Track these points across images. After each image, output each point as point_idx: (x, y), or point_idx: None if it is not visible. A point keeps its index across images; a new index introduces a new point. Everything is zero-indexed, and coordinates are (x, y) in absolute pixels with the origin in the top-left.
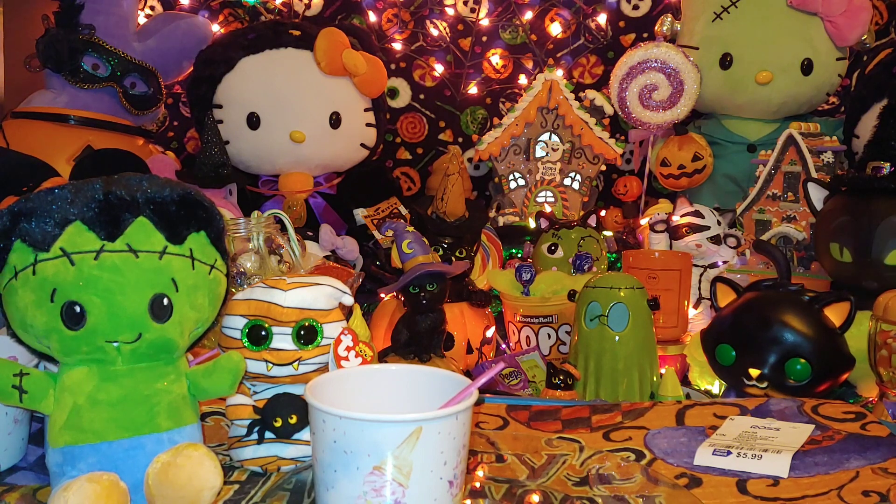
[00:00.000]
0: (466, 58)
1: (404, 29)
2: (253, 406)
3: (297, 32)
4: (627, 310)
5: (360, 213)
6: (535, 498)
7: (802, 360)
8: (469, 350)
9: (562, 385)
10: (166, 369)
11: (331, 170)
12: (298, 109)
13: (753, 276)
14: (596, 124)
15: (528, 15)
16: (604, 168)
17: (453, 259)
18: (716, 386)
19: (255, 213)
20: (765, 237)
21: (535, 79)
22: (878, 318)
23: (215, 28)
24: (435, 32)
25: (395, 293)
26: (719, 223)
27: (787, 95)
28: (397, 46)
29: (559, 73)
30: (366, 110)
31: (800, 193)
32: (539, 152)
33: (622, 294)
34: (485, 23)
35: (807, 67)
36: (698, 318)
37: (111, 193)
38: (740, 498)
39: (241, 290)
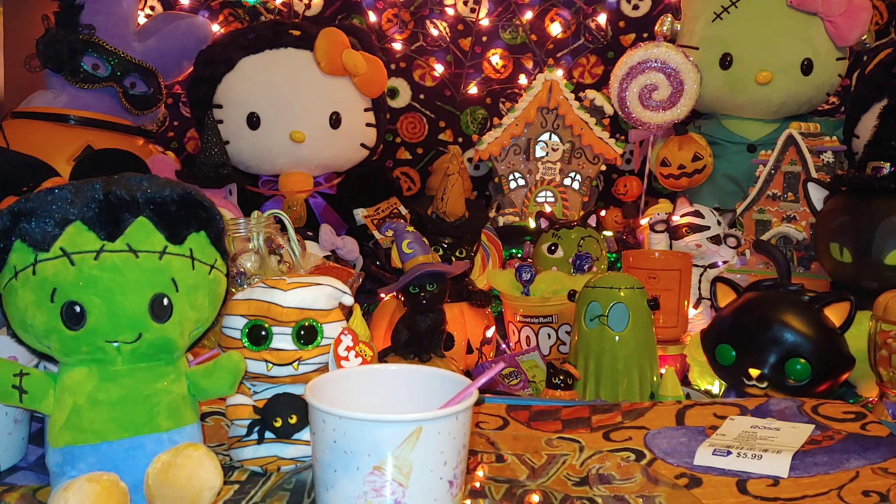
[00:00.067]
0: (466, 58)
1: (404, 29)
2: (253, 406)
3: (297, 32)
4: (627, 310)
5: (360, 213)
6: (535, 498)
7: (802, 360)
8: (469, 350)
9: (562, 385)
10: (166, 369)
11: (331, 170)
12: (298, 109)
13: (753, 276)
14: (596, 124)
15: (528, 15)
16: (604, 168)
17: (453, 259)
18: (716, 386)
19: (255, 213)
20: (765, 237)
21: (535, 79)
22: (878, 318)
23: (215, 28)
24: (435, 32)
25: (395, 293)
26: (719, 223)
27: (787, 95)
28: (397, 46)
29: (559, 73)
30: (366, 110)
31: (800, 193)
32: (539, 152)
33: (622, 294)
34: (485, 23)
35: (807, 67)
36: (698, 318)
37: (111, 193)
38: (740, 498)
39: (241, 290)
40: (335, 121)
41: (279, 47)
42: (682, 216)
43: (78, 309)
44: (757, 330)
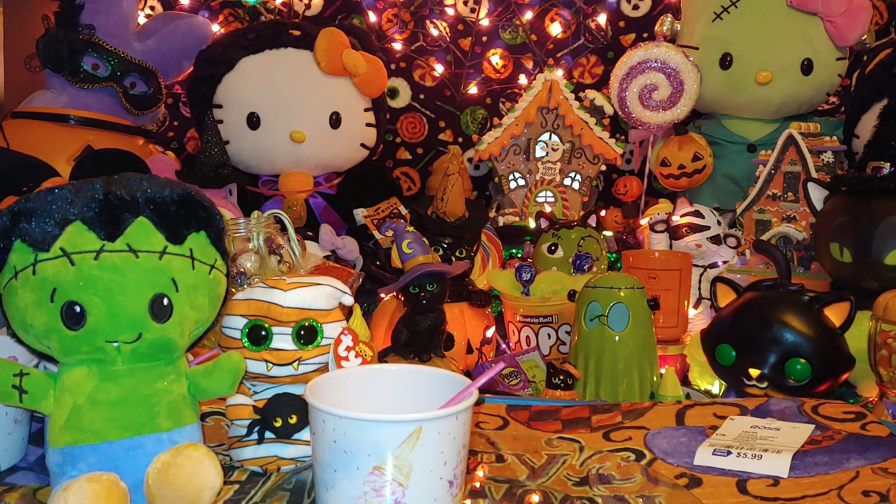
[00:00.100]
0: (466, 58)
1: (404, 29)
2: (253, 406)
3: (297, 32)
4: (627, 310)
5: (360, 213)
6: (535, 498)
7: (802, 360)
8: (469, 350)
9: (562, 385)
10: (166, 369)
11: (331, 170)
12: (298, 109)
13: (753, 276)
14: (596, 124)
15: (528, 15)
16: (604, 168)
17: (453, 259)
18: (716, 386)
19: (255, 213)
20: (765, 237)
21: (535, 79)
22: (878, 318)
23: (215, 28)
24: (435, 32)
25: (395, 293)
26: (719, 223)
27: (787, 95)
28: (397, 46)
29: (559, 73)
30: (366, 110)
31: (800, 193)
32: (539, 152)
33: (622, 294)
34: (485, 23)
35: (807, 67)
36: (698, 318)
37: (111, 193)
38: (740, 498)
39: (241, 290)
40: (335, 121)
41: (279, 47)
42: (682, 216)
43: (78, 309)
44: (757, 330)
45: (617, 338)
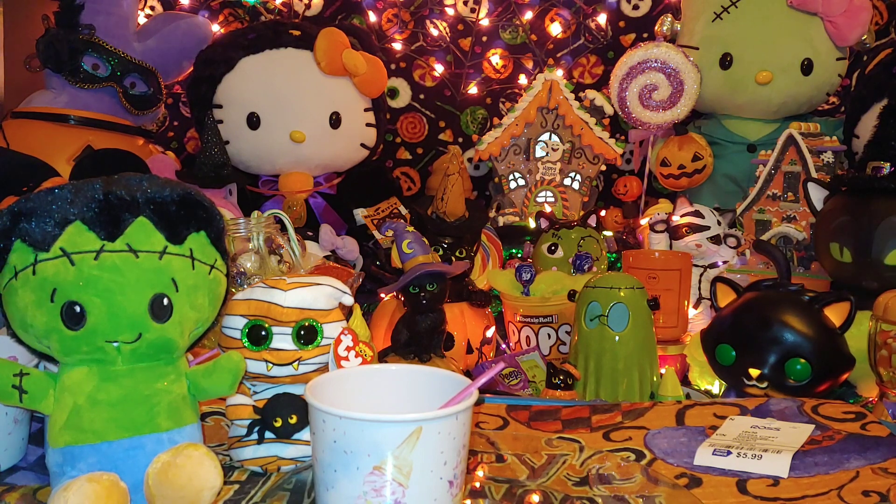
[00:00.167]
0: (466, 58)
1: (404, 29)
2: (253, 406)
3: (297, 32)
4: (627, 310)
5: (360, 213)
6: (535, 498)
7: (802, 360)
8: (469, 350)
9: (562, 385)
10: (166, 369)
11: (331, 170)
12: (298, 109)
13: (753, 276)
14: (596, 124)
15: (528, 15)
16: (604, 168)
17: (453, 259)
18: (716, 386)
19: (255, 213)
20: (765, 237)
21: (535, 79)
22: (878, 318)
23: (215, 28)
24: (435, 32)
25: (395, 293)
26: (719, 223)
27: (787, 95)
28: (397, 46)
29: (559, 73)
30: (366, 110)
31: (800, 193)
32: (539, 152)
33: (622, 294)
34: (485, 23)
35: (807, 67)
36: (698, 318)
37: (111, 193)
38: (740, 498)
39: (241, 290)
40: (335, 121)
41: (279, 47)
42: (682, 216)
43: (78, 309)
44: (757, 330)
45: (617, 338)
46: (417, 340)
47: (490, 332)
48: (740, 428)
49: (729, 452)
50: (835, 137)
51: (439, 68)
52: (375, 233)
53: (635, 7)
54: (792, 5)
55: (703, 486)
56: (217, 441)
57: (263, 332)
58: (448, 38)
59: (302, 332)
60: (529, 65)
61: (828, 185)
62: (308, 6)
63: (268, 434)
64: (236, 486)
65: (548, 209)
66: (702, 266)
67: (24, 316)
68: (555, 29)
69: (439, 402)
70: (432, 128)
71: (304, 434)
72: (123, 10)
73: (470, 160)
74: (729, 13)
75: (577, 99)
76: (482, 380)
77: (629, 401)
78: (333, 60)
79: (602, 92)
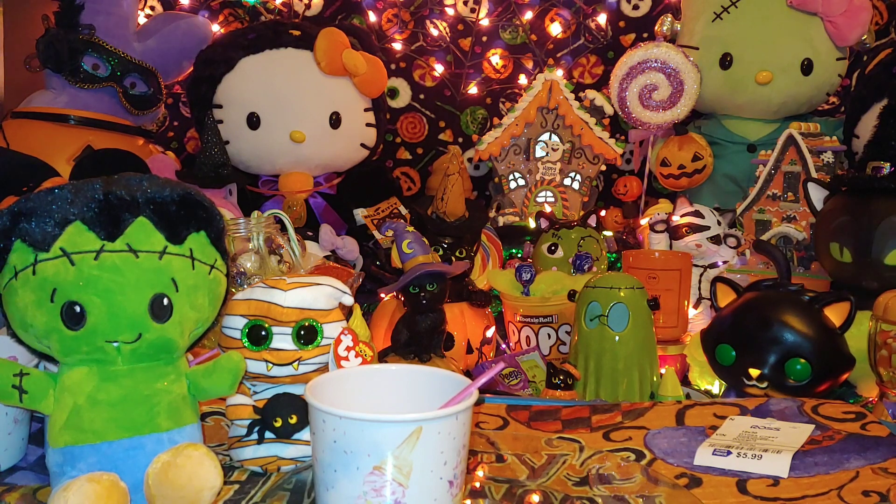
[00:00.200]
0: (466, 58)
1: (404, 29)
2: (253, 406)
3: (297, 32)
4: (627, 310)
5: (360, 213)
6: (535, 498)
7: (802, 360)
8: (469, 350)
9: (562, 385)
10: (166, 369)
11: (331, 170)
12: (298, 109)
13: (753, 276)
14: (596, 124)
15: (528, 15)
16: (604, 168)
17: (453, 259)
18: (716, 386)
19: (255, 213)
20: (765, 237)
21: (535, 79)
22: (878, 318)
23: (215, 28)
24: (435, 32)
25: (395, 293)
26: (719, 223)
27: (787, 95)
28: (397, 46)
29: (559, 73)
30: (366, 110)
31: (800, 193)
32: (539, 152)
33: (622, 294)
34: (485, 23)
35: (807, 67)
36: (698, 318)
37: (111, 193)
38: (740, 498)
39: (241, 290)
40: (335, 121)
41: (279, 47)
42: (682, 216)
43: (78, 309)
44: (757, 330)
45: (617, 338)
46: (417, 340)
47: (490, 332)
48: (740, 428)
49: (729, 452)
50: (835, 137)
51: (439, 68)
52: (375, 233)
53: (635, 7)
54: (792, 5)
55: (703, 486)
56: (217, 441)
57: (263, 332)
58: (448, 38)
59: (302, 332)
60: (529, 65)
61: (828, 185)
62: (308, 6)
63: (268, 434)
64: (236, 486)
65: (548, 209)
66: (702, 266)
67: (24, 316)
68: (555, 29)
69: (439, 402)
70: (432, 128)
71: (304, 434)
72: (123, 10)
73: (470, 160)
74: (729, 13)
75: (577, 99)
76: (482, 380)
77: (629, 401)
78: (333, 60)
79: (602, 92)
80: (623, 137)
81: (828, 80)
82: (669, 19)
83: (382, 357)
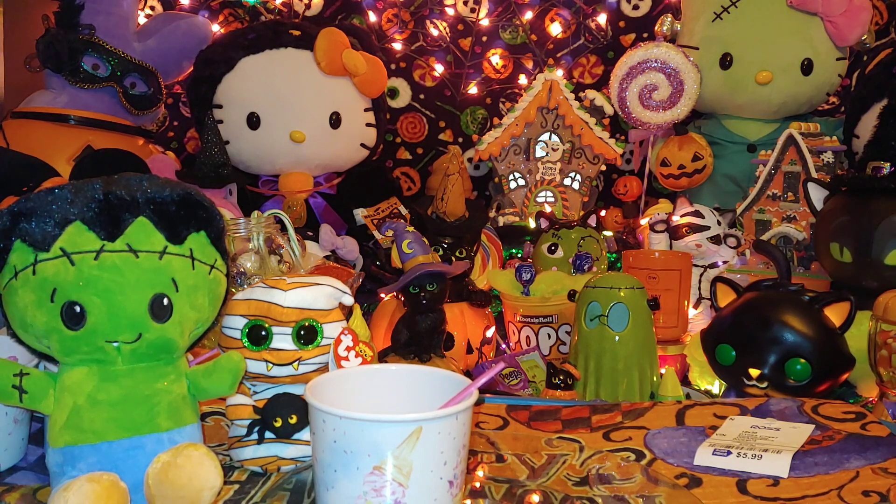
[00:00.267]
0: (466, 58)
1: (404, 29)
2: (253, 406)
3: (297, 32)
4: (627, 310)
5: (360, 213)
6: (535, 498)
7: (802, 360)
8: (469, 350)
9: (562, 385)
10: (166, 369)
11: (331, 170)
12: (298, 109)
13: (753, 276)
14: (596, 124)
15: (528, 15)
16: (604, 168)
17: (453, 259)
18: (716, 386)
19: (255, 213)
20: (765, 237)
21: (535, 79)
22: (878, 318)
23: (215, 28)
24: (435, 32)
25: (395, 293)
26: (719, 223)
27: (787, 95)
28: (397, 46)
29: (559, 73)
30: (366, 110)
31: (800, 193)
32: (539, 152)
33: (622, 294)
34: (485, 23)
35: (807, 67)
36: (698, 318)
37: (111, 193)
38: (740, 498)
39: (241, 290)
40: (335, 121)
41: (279, 47)
42: (682, 216)
43: (78, 309)
44: (757, 330)
45: (617, 338)
46: (417, 340)
47: (490, 332)
48: (740, 428)
49: (729, 452)
50: (835, 137)
51: (439, 68)
52: (375, 233)
53: (635, 7)
54: (792, 5)
55: (703, 486)
56: (217, 441)
57: (263, 332)
58: (448, 38)
59: (302, 332)
60: (529, 65)
61: (828, 185)
62: (308, 6)
63: (268, 434)
64: (236, 486)
65: (548, 209)
66: (702, 266)
67: (24, 316)
68: (555, 29)
69: (439, 402)
70: (432, 128)
71: (304, 434)
72: (123, 10)
73: (470, 160)
74: (729, 13)
75: (577, 99)
76: (482, 380)
77: (629, 401)
78: (333, 60)
79: (602, 92)
80: (623, 137)
81: (828, 80)
82: (669, 19)
83: (382, 357)
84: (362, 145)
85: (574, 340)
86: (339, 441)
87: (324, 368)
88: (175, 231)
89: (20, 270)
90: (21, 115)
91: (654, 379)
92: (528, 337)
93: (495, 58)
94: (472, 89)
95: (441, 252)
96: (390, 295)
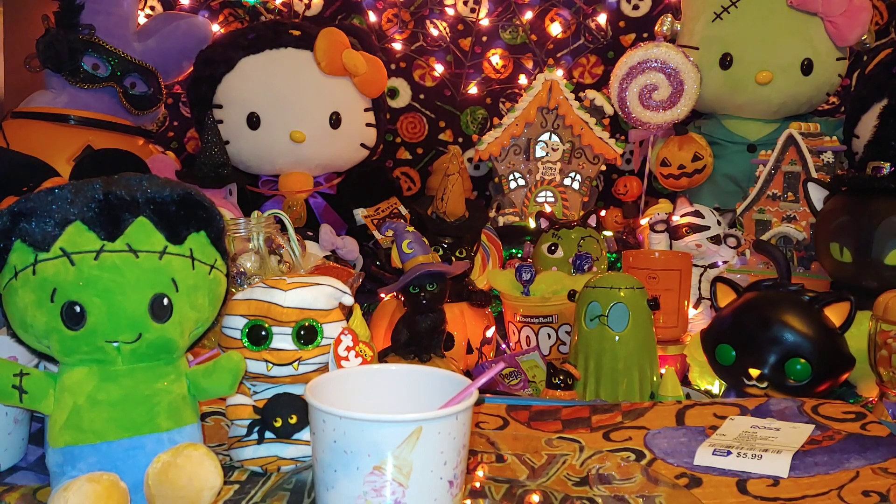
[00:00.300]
0: (466, 58)
1: (404, 29)
2: (253, 406)
3: (297, 32)
4: (627, 310)
5: (360, 213)
6: (535, 498)
7: (802, 360)
8: (469, 350)
9: (562, 385)
10: (166, 369)
11: (331, 170)
12: (298, 109)
13: (753, 276)
14: (596, 124)
15: (528, 15)
16: (604, 168)
17: (453, 259)
18: (716, 386)
19: (255, 213)
20: (765, 237)
21: (535, 79)
22: (878, 318)
23: (215, 28)
24: (435, 32)
25: (395, 293)
26: (719, 223)
27: (787, 95)
28: (397, 46)
29: (559, 73)
30: (366, 110)
31: (800, 193)
32: (539, 152)
33: (622, 294)
34: (485, 23)
35: (807, 67)
36: (698, 318)
37: (111, 193)
38: (740, 498)
39: (241, 290)
40: (335, 121)
41: (279, 47)
42: (682, 216)
43: (78, 309)
44: (757, 330)
45: (617, 338)
46: (417, 340)
47: (490, 332)
48: (740, 428)
49: (729, 452)
50: (835, 137)
51: (439, 68)
52: (375, 233)
53: (635, 7)
54: (792, 5)
55: (703, 486)
56: (217, 441)
57: (263, 332)
58: (448, 38)
59: (302, 332)
60: (529, 65)
61: (828, 185)
62: (308, 6)
63: (268, 434)
64: (236, 486)
65: (548, 209)
66: (702, 266)
67: (24, 316)
68: (555, 29)
69: (439, 402)
70: (432, 128)
71: (304, 434)
72: (123, 10)
73: (470, 160)
74: (729, 13)
75: (577, 99)
76: (482, 380)
77: (629, 401)
78: (333, 60)
79: (602, 92)
80: (623, 137)
81: (828, 80)
82: (669, 19)
83: (382, 357)
84: (362, 145)
85: (574, 340)
86: (339, 441)
87: (324, 368)
88: (175, 231)
89: (20, 270)
90: (21, 115)
91: (654, 379)
92: (528, 337)
93: (495, 58)
94: (472, 89)
95: (441, 252)
96: (390, 295)
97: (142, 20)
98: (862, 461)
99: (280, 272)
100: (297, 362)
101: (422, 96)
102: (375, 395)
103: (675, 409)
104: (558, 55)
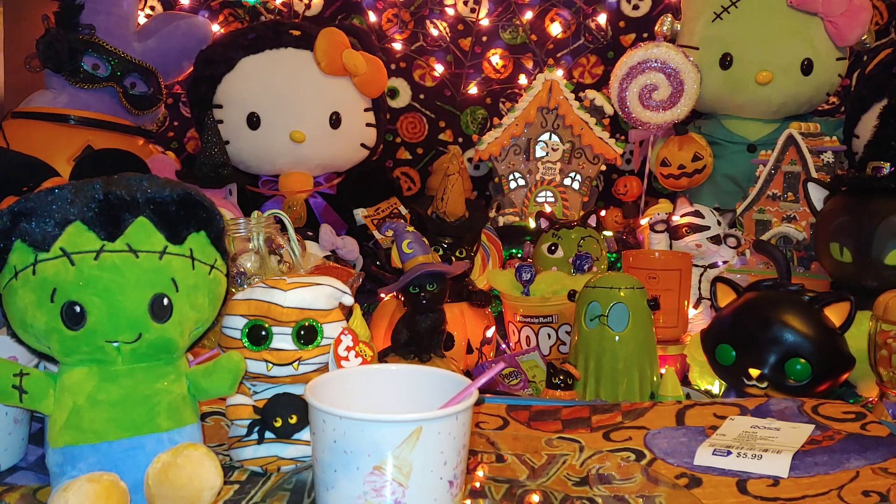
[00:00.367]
0: (466, 58)
1: (404, 29)
2: (253, 406)
3: (297, 32)
4: (627, 310)
5: (360, 213)
6: (535, 498)
7: (802, 360)
8: (469, 350)
9: (562, 385)
10: (166, 369)
11: (331, 170)
12: (298, 109)
13: (753, 276)
14: (596, 124)
15: (528, 15)
16: (604, 168)
17: (453, 259)
18: (716, 386)
19: (255, 213)
20: (765, 237)
21: (535, 79)
22: (878, 318)
23: (215, 28)
24: (435, 32)
25: (395, 293)
26: (719, 223)
27: (787, 95)
28: (397, 46)
29: (559, 73)
30: (366, 110)
31: (800, 193)
32: (539, 152)
33: (622, 294)
34: (485, 23)
35: (807, 67)
36: (698, 318)
37: (111, 193)
38: (740, 498)
39: (241, 290)
40: (335, 121)
41: (279, 47)
42: (682, 216)
43: (78, 309)
44: (757, 330)
45: (617, 338)
46: (417, 340)
47: (490, 332)
48: (740, 428)
49: (729, 452)
50: (835, 137)
51: (439, 68)
52: (375, 233)
53: (635, 7)
54: (792, 5)
55: (703, 486)
56: (217, 441)
57: (263, 332)
58: (448, 38)
59: (302, 332)
60: (529, 65)
61: (828, 185)
62: (308, 6)
63: (268, 434)
64: (236, 486)
65: (548, 209)
66: (702, 266)
67: (24, 316)
68: (555, 29)
69: (439, 402)
70: (432, 128)
71: (304, 434)
72: (123, 10)
73: (470, 160)
74: (729, 13)
75: (577, 99)
76: (482, 380)
77: (629, 401)
78: (333, 60)
79: (602, 92)
80: (623, 137)
81: (828, 80)
82: (669, 19)
83: (382, 357)
84: (362, 145)
85: (574, 340)
86: (339, 441)
87: (324, 368)
88: (175, 231)
89: (20, 270)
90: (21, 115)
91: (654, 379)
92: (528, 337)
93: (495, 58)
94: (472, 89)
95: (441, 252)
96: (390, 295)
97: (142, 20)
98: (862, 461)
99: (280, 272)
100: (297, 362)
101: (422, 96)
102: (375, 395)
103: (675, 409)
104: (558, 55)
